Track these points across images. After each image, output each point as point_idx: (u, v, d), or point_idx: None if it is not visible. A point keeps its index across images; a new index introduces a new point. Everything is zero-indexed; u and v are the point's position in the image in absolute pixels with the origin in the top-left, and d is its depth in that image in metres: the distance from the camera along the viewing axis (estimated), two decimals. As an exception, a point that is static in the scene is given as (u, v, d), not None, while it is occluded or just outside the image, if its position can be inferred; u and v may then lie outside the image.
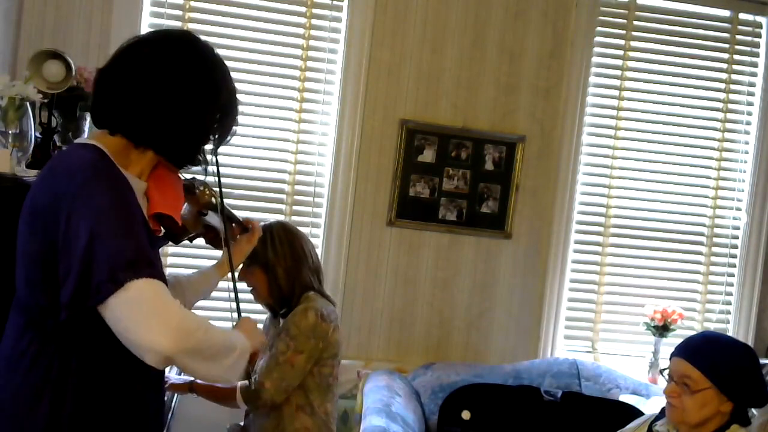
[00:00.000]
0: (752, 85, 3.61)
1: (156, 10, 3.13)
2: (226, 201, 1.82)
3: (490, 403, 2.95)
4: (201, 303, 1.99)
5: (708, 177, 3.63)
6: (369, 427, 2.50)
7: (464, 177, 3.37)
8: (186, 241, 1.76)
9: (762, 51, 3.60)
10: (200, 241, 1.88)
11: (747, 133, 3.63)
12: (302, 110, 3.28)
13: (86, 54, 2.97)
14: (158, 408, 1.53)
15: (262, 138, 3.26)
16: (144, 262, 1.24)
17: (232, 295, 1.72)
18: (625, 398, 3.08)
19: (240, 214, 2.00)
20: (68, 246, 1.24)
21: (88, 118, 2.39)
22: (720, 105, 3.61)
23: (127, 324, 1.21)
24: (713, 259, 3.66)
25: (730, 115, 3.62)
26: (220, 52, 1.50)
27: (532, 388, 3.03)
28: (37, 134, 2.21)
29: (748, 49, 3.60)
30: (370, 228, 3.34)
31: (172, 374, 2.31)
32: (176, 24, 3.14)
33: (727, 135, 3.63)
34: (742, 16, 3.58)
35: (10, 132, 1.96)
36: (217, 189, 1.73)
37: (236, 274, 1.81)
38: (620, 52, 3.51)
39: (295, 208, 3.30)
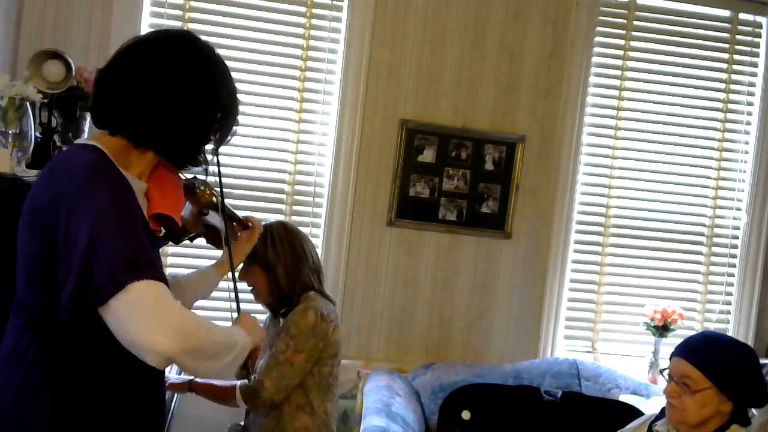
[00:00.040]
0: (752, 85, 3.61)
1: (156, 10, 3.13)
2: (226, 201, 1.82)
3: (490, 403, 2.95)
4: (201, 302, 1.99)
5: (708, 177, 3.63)
6: (369, 427, 2.50)
7: (464, 177, 3.37)
8: (186, 241, 1.76)
9: (762, 51, 3.60)
10: (200, 241, 1.88)
11: (747, 133, 3.63)
12: (302, 110, 3.28)
13: (86, 54, 2.97)
14: (158, 408, 1.53)
15: (262, 138, 3.26)
16: (144, 263, 1.24)
17: (233, 294, 1.72)
18: (625, 398, 3.08)
19: (240, 214, 2.00)
20: (68, 247, 1.24)
21: (88, 118, 2.39)
22: (720, 105, 3.61)
23: (128, 325, 1.21)
24: (713, 259, 3.66)
25: (730, 115, 3.62)
26: (220, 52, 1.50)
27: (532, 388, 3.03)
28: (37, 134, 2.21)
29: (748, 49, 3.60)
30: (370, 228, 3.34)
31: (171, 374, 2.31)
32: (176, 24, 3.14)
33: (727, 135, 3.63)
34: (742, 16, 3.58)
35: (10, 132, 1.96)
36: (218, 188, 1.72)
37: (236, 274, 1.81)
38: (620, 52, 3.51)
39: (295, 208, 3.30)
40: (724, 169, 3.63)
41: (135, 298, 1.21)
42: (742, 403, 1.86)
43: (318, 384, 2.21)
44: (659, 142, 3.57)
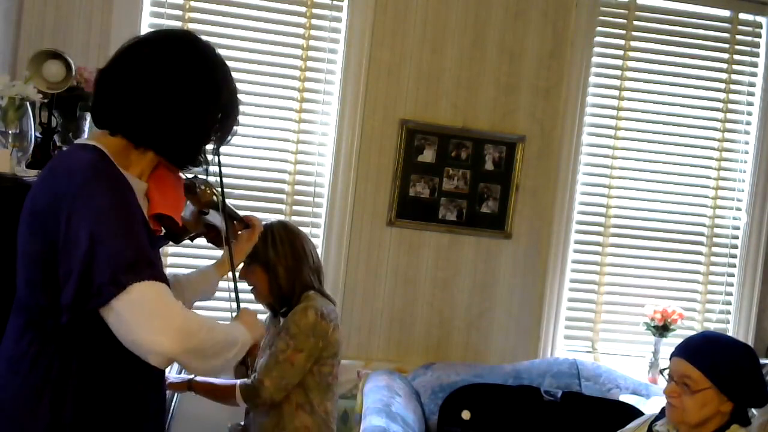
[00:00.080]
0: (752, 85, 3.61)
1: (156, 10, 3.13)
2: (227, 200, 1.82)
3: (490, 403, 2.95)
4: (202, 303, 1.99)
5: (708, 177, 3.63)
6: (369, 427, 2.50)
7: (464, 177, 3.37)
8: (186, 241, 1.76)
9: (762, 51, 3.60)
10: (200, 240, 1.88)
11: (747, 133, 3.63)
12: (302, 110, 3.28)
13: (86, 54, 2.97)
14: (159, 408, 1.53)
15: (262, 138, 3.26)
16: (145, 263, 1.24)
17: (233, 294, 1.72)
18: (625, 398, 3.08)
19: (241, 213, 2.00)
20: (68, 247, 1.24)
21: (88, 118, 2.39)
22: (720, 105, 3.61)
23: (130, 326, 1.22)
24: (713, 259, 3.66)
25: (730, 115, 3.62)
26: (220, 52, 1.50)
27: (532, 388, 3.03)
28: (37, 134, 2.21)
29: (748, 49, 3.60)
30: (370, 228, 3.34)
31: (171, 374, 2.31)
32: (176, 24, 3.14)
33: (727, 135, 3.63)
34: (742, 16, 3.58)
35: (10, 132, 1.96)
36: (218, 187, 1.72)
37: (236, 273, 1.81)
38: (620, 52, 3.51)
39: (295, 208, 3.30)
40: (724, 169, 3.63)
41: (136, 298, 1.22)
42: (742, 403, 1.86)
43: (318, 383, 2.21)
44: (659, 142, 3.57)
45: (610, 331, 3.60)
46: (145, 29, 3.05)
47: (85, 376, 1.34)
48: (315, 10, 3.26)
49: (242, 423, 2.36)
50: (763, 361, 2.43)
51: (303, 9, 3.26)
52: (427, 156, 3.34)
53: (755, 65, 3.60)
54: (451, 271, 3.42)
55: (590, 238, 3.56)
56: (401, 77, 3.32)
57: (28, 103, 1.99)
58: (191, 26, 3.14)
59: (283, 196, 3.29)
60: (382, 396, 2.79)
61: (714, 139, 3.62)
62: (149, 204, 1.43)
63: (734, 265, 3.66)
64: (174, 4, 3.14)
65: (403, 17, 3.30)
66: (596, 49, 3.47)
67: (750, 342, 3.53)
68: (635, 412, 2.71)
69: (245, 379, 2.17)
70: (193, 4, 3.17)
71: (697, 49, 3.57)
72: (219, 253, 2.04)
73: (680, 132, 3.59)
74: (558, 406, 2.95)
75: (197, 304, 1.96)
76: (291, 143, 3.29)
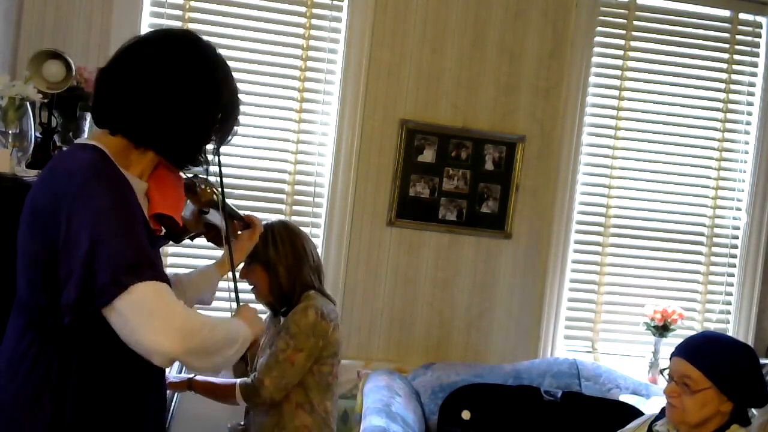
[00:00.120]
0: (752, 85, 3.61)
1: (156, 10, 3.13)
2: (227, 199, 1.82)
3: (490, 403, 2.95)
4: (201, 305, 1.99)
5: (708, 177, 3.63)
6: (369, 427, 2.50)
7: (464, 177, 3.37)
8: (187, 241, 1.76)
9: (762, 51, 3.60)
10: (201, 240, 1.88)
11: (747, 133, 3.63)
12: (302, 110, 3.28)
13: (86, 54, 2.97)
14: (159, 408, 1.53)
15: (262, 138, 3.26)
16: (145, 263, 1.24)
17: (233, 295, 1.72)
18: (625, 398, 3.08)
19: (241, 213, 2.00)
20: (69, 247, 1.24)
21: (88, 118, 2.39)
22: (720, 105, 3.61)
23: (132, 326, 1.21)
24: (713, 259, 3.66)
25: (730, 115, 3.62)
26: (220, 52, 1.50)
27: (532, 388, 3.03)
28: (37, 134, 2.21)
29: (748, 49, 3.60)
30: (370, 228, 3.34)
31: (171, 373, 2.30)
32: (176, 24, 3.14)
33: (727, 135, 3.63)
34: (742, 16, 3.58)
35: (10, 132, 1.96)
36: (219, 187, 1.72)
37: (237, 273, 1.81)
38: (620, 52, 3.51)
39: (295, 208, 3.30)
40: (724, 169, 3.63)
41: (138, 298, 1.21)
42: (742, 403, 1.86)
43: (318, 383, 2.21)
44: (659, 142, 3.57)
45: (610, 331, 3.60)
46: (145, 29, 3.05)
47: (85, 376, 1.34)
48: (315, 10, 3.26)
49: (242, 422, 2.36)
50: (763, 361, 2.43)
51: (303, 9, 3.26)
52: (427, 156, 3.34)
53: (755, 65, 3.60)
54: (451, 271, 3.42)
55: (590, 238, 3.56)
56: (401, 77, 3.32)
57: (28, 103, 1.99)
58: (191, 26, 3.14)
59: (283, 196, 3.29)
60: (382, 396, 2.79)
61: (714, 139, 3.62)
62: (149, 204, 1.43)
63: (734, 265, 3.66)
64: (174, 4, 3.14)
65: (403, 17, 3.30)
66: (596, 49, 3.47)
67: (750, 342, 3.53)
68: (635, 412, 2.71)
69: (245, 379, 2.17)
70: (193, 4, 3.17)
71: (697, 49, 3.57)
72: (219, 252, 2.04)
73: (680, 132, 3.59)
74: (558, 406, 2.95)
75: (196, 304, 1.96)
76: (291, 143, 3.29)
